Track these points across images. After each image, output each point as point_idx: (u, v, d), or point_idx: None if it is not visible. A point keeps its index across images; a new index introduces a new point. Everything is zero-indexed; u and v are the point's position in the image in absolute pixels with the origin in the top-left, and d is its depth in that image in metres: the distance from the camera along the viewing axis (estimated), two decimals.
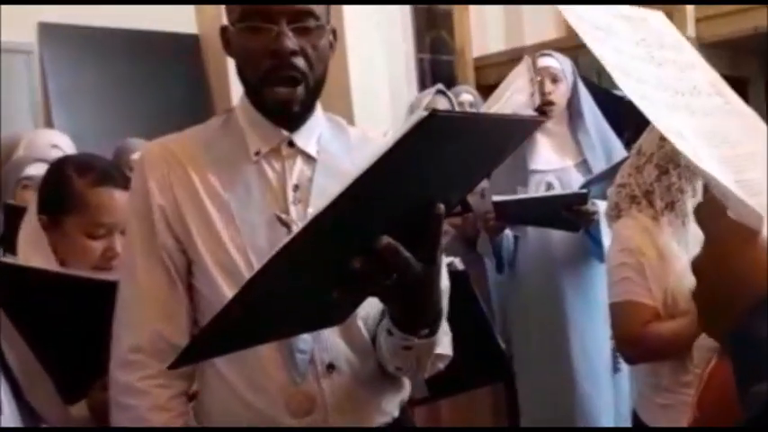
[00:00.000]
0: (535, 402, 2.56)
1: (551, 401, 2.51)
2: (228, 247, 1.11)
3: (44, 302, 1.24)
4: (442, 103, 2.83)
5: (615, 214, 1.81)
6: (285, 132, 1.16)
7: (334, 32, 1.18)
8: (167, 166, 1.15)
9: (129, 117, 3.84)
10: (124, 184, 1.44)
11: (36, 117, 3.30)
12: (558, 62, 2.47)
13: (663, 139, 1.68)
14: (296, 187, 1.15)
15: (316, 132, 1.19)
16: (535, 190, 2.47)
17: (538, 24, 4.87)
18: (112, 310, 1.17)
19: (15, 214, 1.91)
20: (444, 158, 0.80)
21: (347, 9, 3.95)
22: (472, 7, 4.69)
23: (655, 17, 0.78)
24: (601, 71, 4.41)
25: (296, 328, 1.03)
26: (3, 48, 3.20)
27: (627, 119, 2.70)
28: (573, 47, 4.26)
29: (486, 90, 4.69)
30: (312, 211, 1.12)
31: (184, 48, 4.18)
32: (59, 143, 2.75)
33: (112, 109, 3.82)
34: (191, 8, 4.18)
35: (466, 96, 3.80)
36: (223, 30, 1.18)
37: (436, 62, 4.84)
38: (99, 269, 1.41)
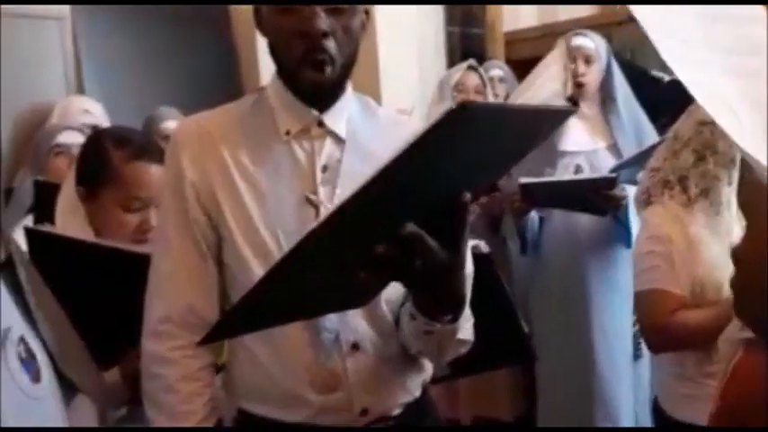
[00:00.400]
0: (554, 383, 2.57)
1: (570, 382, 2.51)
2: (258, 226, 1.12)
3: (81, 271, 1.26)
4: (472, 79, 2.81)
5: (645, 199, 1.79)
6: (315, 112, 1.17)
7: (367, 12, 1.17)
8: (200, 144, 1.16)
9: (159, 85, 3.85)
10: (160, 158, 1.45)
11: (68, 84, 3.32)
12: (592, 42, 2.43)
13: (702, 123, 1.65)
14: (324, 168, 1.16)
15: (345, 113, 1.19)
16: (564, 172, 2.45)
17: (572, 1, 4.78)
18: (146, 281, 1.19)
19: (46, 190, 1.95)
20: (473, 148, 0.80)
21: None
22: None
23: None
24: (635, 49, 4.35)
25: (323, 308, 1.05)
26: (35, 14, 3.21)
27: (665, 102, 2.65)
28: (607, 24, 4.19)
29: (516, 65, 4.62)
30: (340, 192, 1.14)
31: (214, 17, 4.18)
32: (91, 109, 2.77)
33: (143, 76, 3.83)
34: None
35: (496, 72, 3.76)
36: (256, 9, 1.18)
37: (466, 35, 4.77)
38: (134, 241, 1.43)
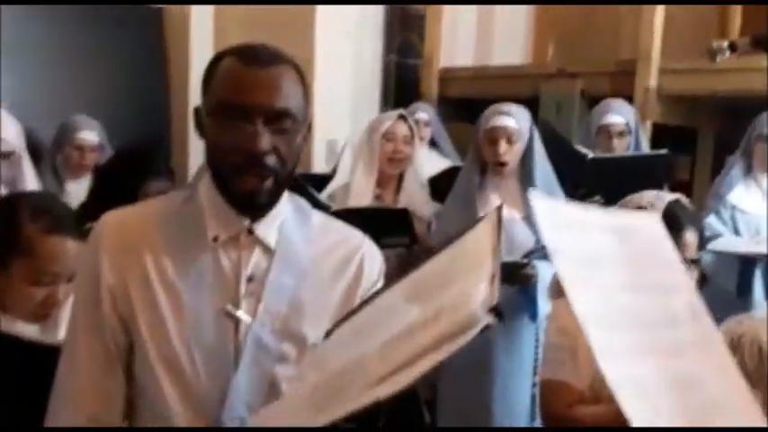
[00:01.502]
0: None
1: None
2: (173, 339, 1.08)
3: None
4: (401, 129, 2.79)
5: (558, 290, 1.85)
6: (247, 221, 1.13)
7: (310, 125, 1.16)
8: (121, 245, 1.11)
9: (81, 86, 3.69)
10: (78, 232, 1.40)
11: None
12: (515, 122, 2.45)
13: None
14: (250, 279, 1.13)
15: (278, 220, 1.16)
16: None
17: (507, 46, 4.88)
18: (53, 375, 1.14)
19: None
20: None
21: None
22: (445, 15, 4.66)
23: (649, 224, 0.79)
24: (561, 102, 4.47)
25: None
26: None
27: (584, 176, 2.76)
28: (536, 75, 4.32)
29: (448, 102, 4.71)
30: (264, 305, 1.11)
31: (146, 19, 4.03)
32: (7, 135, 2.59)
33: (65, 75, 3.66)
34: None
35: (422, 115, 3.80)
36: (196, 111, 1.15)
37: (403, 65, 4.80)
38: (37, 316, 1.37)
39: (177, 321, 1.09)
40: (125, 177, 2.55)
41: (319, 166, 3.77)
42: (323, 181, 3.00)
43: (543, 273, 2.34)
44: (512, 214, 2.52)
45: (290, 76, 1.10)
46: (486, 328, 0.83)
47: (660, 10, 3.75)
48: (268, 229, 1.15)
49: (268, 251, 1.15)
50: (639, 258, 0.76)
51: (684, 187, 4.34)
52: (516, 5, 4.90)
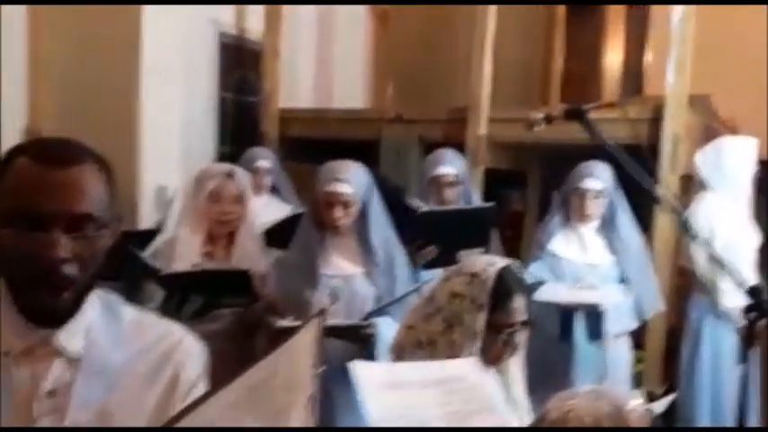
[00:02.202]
0: None
1: None
2: None
3: None
4: (229, 189, 2.54)
5: (399, 354, 1.83)
6: (43, 332, 1.01)
7: (119, 219, 1.06)
8: None
9: None
10: None
11: None
12: (350, 187, 2.42)
13: (454, 295, 1.73)
14: (51, 394, 1.00)
15: (83, 324, 1.04)
16: (324, 292, 2.45)
17: (347, 89, 4.92)
18: None
19: None
20: None
21: (148, 30, 3.65)
22: (283, 56, 4.61)
23: (473, 371, 0.81)
24: (401, 146, 4.56)
25: None
26: None
27: (418, 228, 2.80)
28: (377, 119, 4.39)
29: (288, 143, 4.65)
30: (71, 420, 0.99)
31: None
32: None
33: None
34: None
35: (262, 163, 3.68)
36: None
37: (240, 103, 4.69)
38: None
39: None
40: None
41: (147, 214, 3.53)
42: (149, 237, 2.76)
43: (383, 331, 2.33)
44: (352, 270, 2.50)
45: (92, 174, 1.00)
46: None
47: (488, 59, 3.94)
48: (70, 336, 1.03)
49: (71, 360, 1.02)
50: (462, 409, 0.78)
51: (518, 217, 4.61)
52: (355, 51, 4.96)
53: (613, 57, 5.07)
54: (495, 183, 4.24)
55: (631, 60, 5.15)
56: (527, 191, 4.48)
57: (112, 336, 1.07)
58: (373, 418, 0.78)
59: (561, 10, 5.00)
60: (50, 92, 3.71)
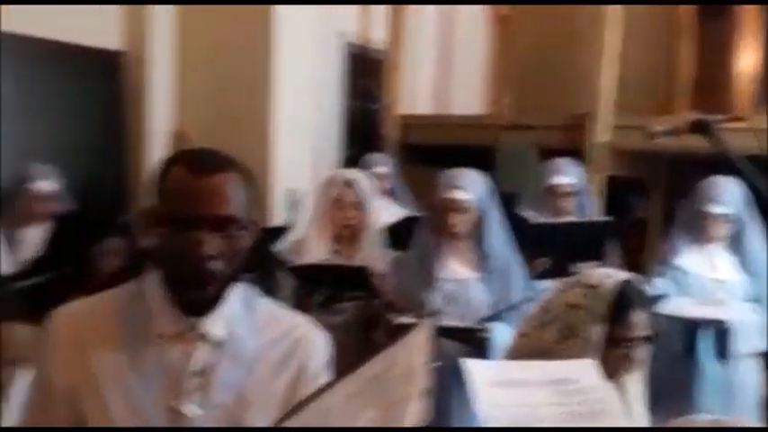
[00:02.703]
0: None
1: None
2: None
3: None
4: (350, 196, 2.74)
5: (513, 356, 1.87)
6: (192, 319, 1.16)
7: (255, 223, 1.19)
8: (71, 344, 1.14)
9: (38, 132, 3.66)
10: (23, 315, 1.41)
11: None
12: (467, 194, 2.50)
13: (570, 306, 1.74)
14: (198, 374, 1.15)
15: (225, 313, 1.19)
16: (438, 296, 2.54)
17: (465, 95, 4.99)
18: None
19: None
20: None
21: (280, 44, 3.91)
22: (404, 64, 4.74)
23: (587, 374, 0.85)
24: (516, 155, 4.55)
25: None
26: None
27: (532, 241, 2.80)
28: (494, 125, 4.43)
29: (409, 148, 4.78)
30: (213, 398, 1.13)
31: (104, 64, 4.03)
32: None
33: (21, 123, 3.63)
34: (114, 23, 4.03)
35: (382, 169, 3.83)
36: (144, 212, 1.18)
37: (364, 111, 4.87)
38: None
39: (127, 417, 1.11)
40: (80, 234, 2.54)
41: (279, 215, 3.78)
42: (280, 233, 3.02)
43: (498, 336, 2.38)
44: (467, 274, 2.56)
45: (235, 182, 1.14)
46: None
47: (614, 67, 3.88)
48: (214, 323, 1.17)
49: (215, 345, 1.17)
50: (576, 410, 0.83)
51: (641, 224, 4.50)
52: (473, 57, 5.01)
53: (747, 61, 4.82)
54: (617, 190, 4.17)
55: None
56: (650, 198, 4.36)
57: (249, 325, 1.20)
58: (485, 414, 0.84)
59: (690, 10, 4.81)
60: (194, 102, 4.08)
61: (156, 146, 4.09)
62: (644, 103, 4.14)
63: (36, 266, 2.55)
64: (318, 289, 2.62)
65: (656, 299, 2.36)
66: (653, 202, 4.37)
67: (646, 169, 4.21)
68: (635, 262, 3.38)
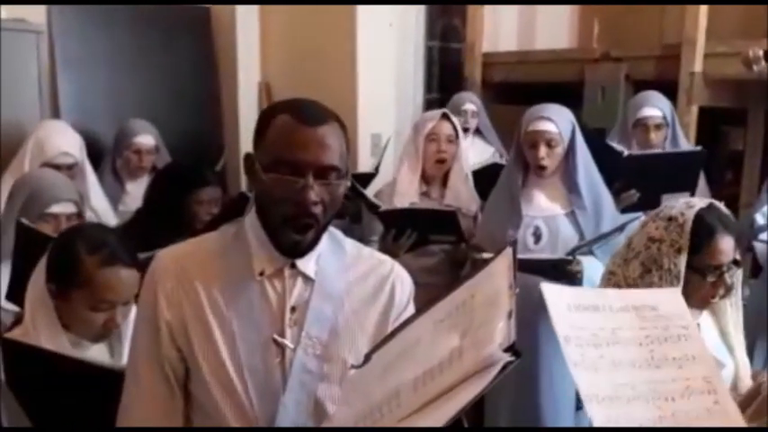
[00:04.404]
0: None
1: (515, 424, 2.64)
2: (227, 365, 1.20)
3: (55, 384, 1.33)
4: (445, 129, 2.82)
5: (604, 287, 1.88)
6: (288, 258, 1.24)
7: (347, 171, 1.25)
8: (176, 282, 1.23)
9: (135, 89, 3.84)
10: (132, 262, 1.53)
11: (42, 88, 3.31)
12: (555, 126, 2.46)
13: (651, 240, 1.73)
14: (293, 309, 1.23)
15: (317, 253, 1.27)
16: (524, 232, 2.55)
17: (551, 30, 4.84)
18: (117, 397, 1.26)
19: (28, 235, 1.98)
20: None
21: None
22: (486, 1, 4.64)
23: (668, 301, 0.87)
24: (606, 87, 4.42)
25: None
26: (14, 27, 3.20)
27: (620, 171, 2.77)
28: (580, 59, 4.29)
29: (492, 87, 4.72)
30: (305, 332, 1.21)
31: (193, 21, 4.15)
32: (69, 148, 2.74)
33: (119, 78, 3.81)
34: None
35: (469, 106, 3.84)
36: (247, 157, 1.24)
37: (445, 50, 4.81)
38: (98, 336, 1.53)
39: (230, 350, 1.21)
40: (179, 184, 2.67)
41: (364, 159, 3.84)
42: (368, 179, 3.09)
43: (588, 268, 2.37)
44: (555, 210, 2.56)
45: (336, 132, 1.20)
46: (506, 367, 0.89)
47: None
48: (307, 261, 1.26)
49: (308, 281, 1.26)
50: (656, 334, 0.84)
51: (738, 157, 4.31)
52: None
53: None
54: (713, 120, 3.99)
55: None
56: (747, 130, 4.15)
57: (338, 264, 1.29)
58: (563, 337, 0.87)
59: None
60: (279, 51, 4.16)
61: (246, 97, 4.21)
62: (740, 28, 3.91)
63: (139, 216, 2.71)
64: (407, 232, 2.69)
65: (761, 228, 2.29)
66: (751, 133, 4.16)
67: (743, 98, 4.01)
68: (731, 194, 3.27)
